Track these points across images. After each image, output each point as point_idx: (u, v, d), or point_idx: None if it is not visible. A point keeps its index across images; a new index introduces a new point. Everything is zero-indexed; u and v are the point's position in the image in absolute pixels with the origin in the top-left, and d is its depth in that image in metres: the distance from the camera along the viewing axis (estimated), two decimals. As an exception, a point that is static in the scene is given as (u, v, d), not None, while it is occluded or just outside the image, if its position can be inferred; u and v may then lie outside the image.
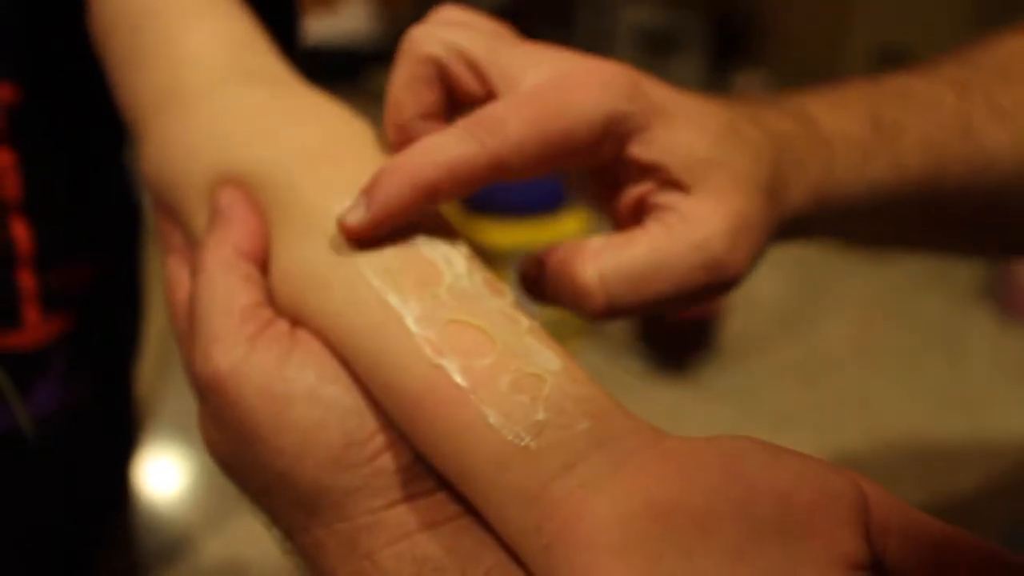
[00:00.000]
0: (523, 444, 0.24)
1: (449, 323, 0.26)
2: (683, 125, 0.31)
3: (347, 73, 1.03)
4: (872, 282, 0.96)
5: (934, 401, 0.75)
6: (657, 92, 0.31)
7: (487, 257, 0.75)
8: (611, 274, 0.30)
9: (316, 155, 0.31)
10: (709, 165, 0.31)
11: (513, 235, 0.75)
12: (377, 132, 0.33)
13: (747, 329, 0.83)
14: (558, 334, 0.91)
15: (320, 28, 1.27)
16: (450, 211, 0.79)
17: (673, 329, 0.77)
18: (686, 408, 0.73)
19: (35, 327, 0.41)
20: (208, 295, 0.29)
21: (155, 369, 0.59)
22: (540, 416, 0.25)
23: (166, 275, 0.33)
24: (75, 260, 0.43)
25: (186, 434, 0.65)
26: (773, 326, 0.85)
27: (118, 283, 0.49)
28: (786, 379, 0.77)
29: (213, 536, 0.57)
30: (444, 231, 0.30)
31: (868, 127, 0.36)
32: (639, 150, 0.31)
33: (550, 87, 0.30)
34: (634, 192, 0.32)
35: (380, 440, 0.27)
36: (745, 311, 0.84)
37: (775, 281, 0.95)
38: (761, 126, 0.33)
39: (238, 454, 0.28)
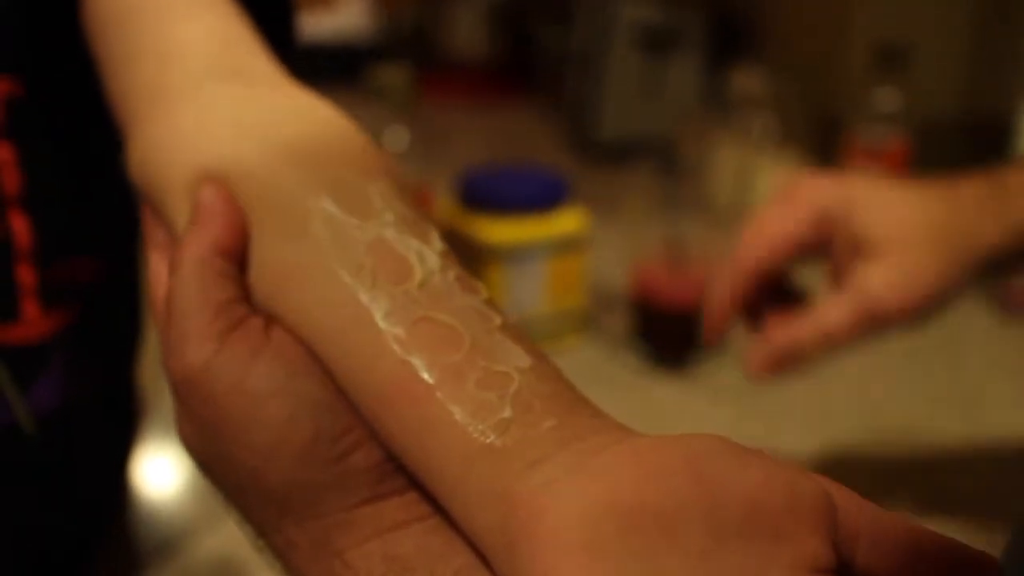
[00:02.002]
0: (488, 441, 0.24)
1: (419, 320, 0.26)
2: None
3: (346, 71, 1.04)
4: (874, 279, 0.95)
5: (933, 399, 0.74)
6: None
7: (483, 253, 0.75)
8: None
9: (297, 153, 0.31)
10: None
11: (510, 231, 0.75)
12: (365, 131, 0.33)
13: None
14: (556, 331, 0.90)
15: (319, 26, 1.27)
16: (447, 206, 0.79)
17: (669, 325, 0.77)
18: (685, 404, 0.73)
19: (34, 321, 0.41)
20: (183, 291, 0.29)
21: (154, 365, 0.59)
22: (507, 414, 0.25)
23: (148, 272, 0.33)
24: (76, 255, 0.43)
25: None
26: (774, 323, 0.84)
27: (120, 279, 0.49)
28: (784, 376, 0.77)
29: (211, 533, 0.57)
30: (419, 227, 0.30)
31: None
32: None
33: None
34: None
35: (351, 437, 0.27)
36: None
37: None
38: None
39: (211, 451, 0.28)
